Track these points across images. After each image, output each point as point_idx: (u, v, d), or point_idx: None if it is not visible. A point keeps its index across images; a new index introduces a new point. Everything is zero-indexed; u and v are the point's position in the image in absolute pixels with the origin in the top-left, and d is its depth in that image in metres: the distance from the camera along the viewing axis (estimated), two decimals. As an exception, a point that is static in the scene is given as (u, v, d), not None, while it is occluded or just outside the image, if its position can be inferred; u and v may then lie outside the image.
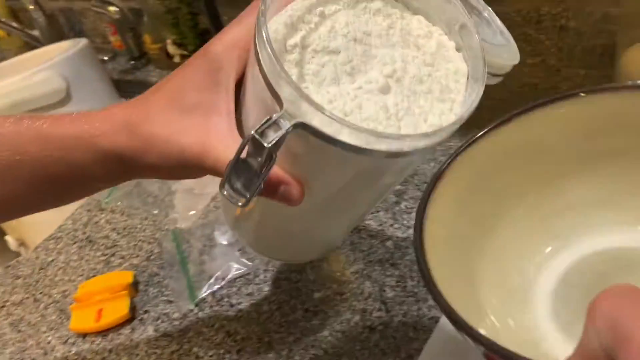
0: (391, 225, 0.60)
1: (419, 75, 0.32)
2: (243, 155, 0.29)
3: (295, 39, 0.31)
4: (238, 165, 0.29)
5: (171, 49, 0.90)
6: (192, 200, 0.70)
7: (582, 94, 0.31)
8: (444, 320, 0.48)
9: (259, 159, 0.28)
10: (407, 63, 0.32)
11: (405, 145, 0.29)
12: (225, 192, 0.29)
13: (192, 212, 0.69)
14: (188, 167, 0.35)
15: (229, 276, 0.59)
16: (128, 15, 1.01)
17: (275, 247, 0.47)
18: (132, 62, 1.14)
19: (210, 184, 0.72)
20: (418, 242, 0.30)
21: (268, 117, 0.28)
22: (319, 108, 0.27)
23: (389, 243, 0.58)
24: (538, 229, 0.34)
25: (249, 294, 0.57)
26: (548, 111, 0.32)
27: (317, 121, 0.28)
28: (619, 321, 0.19)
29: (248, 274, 0.59)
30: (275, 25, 0.31)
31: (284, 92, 0.28)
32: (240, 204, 0.29)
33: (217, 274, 0.59)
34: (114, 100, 1.02)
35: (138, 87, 1.09)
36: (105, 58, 1.22)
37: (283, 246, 0.47)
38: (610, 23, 0.68)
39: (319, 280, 0.56)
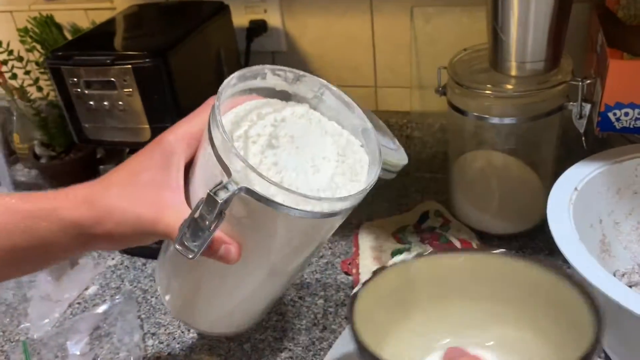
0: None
1: (335, 162, 0.42)
2: (196, 215, 0.35)
3: (240, 131, 0.39)
4: (191, 223, 0.36)
5: (39, 149, 0.90)
6: (48, 308, 0.67)
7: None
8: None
9: (210, 216, 0.35)
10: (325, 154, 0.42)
11: (325, 207, 0.38)
12: (178, 246, 0.36)
13: (45, 321, 0.66)
14: (142, 232, 0.40)
15: (79, 389, 0.56)
16: (-4, 113, 0.99)
17: (199, 313, 0.50)
18: (0, 160, 1.10)
19: (68, 289, 0.70)
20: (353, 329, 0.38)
21: (220, 182, 0.35)
22: (260, 175, 0.35)
23: (246, 346, 0.59)
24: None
25: (100, 408, 0.55)
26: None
27: (258, 187, 0.35)
28: None
29: (100, 385, 0.57)
30: (223, 121, 0.38)
31: (233, 164, 0.35)
32: (190, 256, 0.36)
33: (66, 388, 0.56)
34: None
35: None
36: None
37: (208, 312, 0.50)
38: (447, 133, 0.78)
39: (173, 389, 0.56)
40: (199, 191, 0.40)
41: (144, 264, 0.73)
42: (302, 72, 0.44)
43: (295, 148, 0.41)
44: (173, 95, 0.63)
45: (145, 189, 0.40)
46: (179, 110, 0.64)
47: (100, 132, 0.66)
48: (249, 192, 0.35)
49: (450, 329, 0.46)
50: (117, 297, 0.68)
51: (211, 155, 0.37)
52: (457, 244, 0.66)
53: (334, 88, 0.44)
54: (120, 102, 0.62)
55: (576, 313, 0.37)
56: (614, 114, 0.55)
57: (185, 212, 0.37)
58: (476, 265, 0.44)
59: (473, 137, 0.66)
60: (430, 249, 0.66)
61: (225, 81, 0.39)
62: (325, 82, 0.44)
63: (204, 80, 0.72)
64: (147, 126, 0.63)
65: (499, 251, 0.44)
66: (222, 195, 0.34)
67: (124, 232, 0.40)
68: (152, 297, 0.68)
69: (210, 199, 0.35)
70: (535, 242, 0.67)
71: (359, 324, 0.38)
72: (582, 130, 0.60)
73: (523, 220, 0.68)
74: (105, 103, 0.63)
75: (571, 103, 0.60)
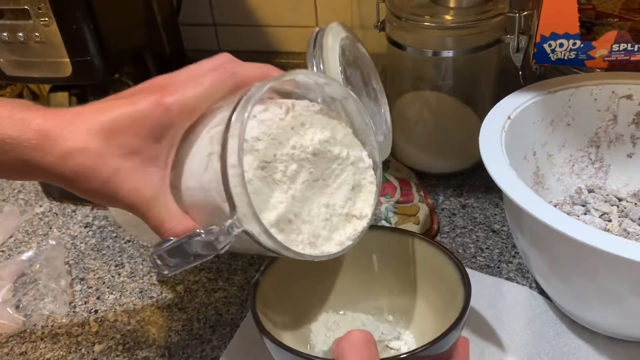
0: (184, 269, 0.60)
1: (344, 200, 0.39)
2: (183, 240, 0.33)
3: (270, 152, 0.35)
4: (178, 247, 0.33)
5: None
6: (-31, 257, 0.64)
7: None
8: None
9: (202, 252, 0.33)
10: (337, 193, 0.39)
11: (306, 257, 0.36)
12: (155, 257, 0.34)
13: (-34, 270, 0.62)
14: (113, 204, 0.36)
15: None
16: None
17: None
18: None
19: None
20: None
21: (222, 226, 0.32)
22: (269, 234, 0.32)
23: (179, 287, 0.58)
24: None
25: (23, 354, 0.52)
26: None
27: (256, 230, 0.32)
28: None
29: (23, 331, 0.54)
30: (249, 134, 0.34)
31: (240, 206, 0.32)
32: (165, 272, 0.34)
33: (-15, 335, 0.54)
34: None
35: None
36: None
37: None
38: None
39: (101, 332, 0.53)
40: (192, 182, 0.36)
41: (74, 211, 0.70)
42: (331, 78, 0.39)
43: (321, 174, 0.38)
44: (95, 27, 0.59)
45: (127, 157, 0.35)
46: (102, 44, 0.60)
47: (17, 68, 0.62)
48: (250, 236, 0.33)
49: (346, 301, 0.49)
50: (43, 243, 0.64)
51: (219, 174, 0.32)
52: (395, 183, 0.65)
53: (359, 102, 0.39)
54: (36, 34, 0.58)
55: (449, 280, 0.43)
56: (549, 45, 0.54)
57: (169, 202, 0.36)
58: (364, 240, 0.47)
59: (411, 74, 0.65)
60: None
61: (254, 89, 0.33)
62: (350, 92, 0.39)
63: (131, 15, 0.68)
64: (68, 60, 0.59)
65: (384, 226, 0.49)
66: (222, 242, 0.32)
67: (96, 199, 0.36)
68: (81, 242, 0.65)
69: (210, 245, 0.33)
70: (472, 181, 0.67)
71: (261, 308, 0.41)
72: (519, 65, 0.60)
73: (461, 159, 0.68)
74: (20, 34, 0.58)
75: (508, 36, 0.59)
